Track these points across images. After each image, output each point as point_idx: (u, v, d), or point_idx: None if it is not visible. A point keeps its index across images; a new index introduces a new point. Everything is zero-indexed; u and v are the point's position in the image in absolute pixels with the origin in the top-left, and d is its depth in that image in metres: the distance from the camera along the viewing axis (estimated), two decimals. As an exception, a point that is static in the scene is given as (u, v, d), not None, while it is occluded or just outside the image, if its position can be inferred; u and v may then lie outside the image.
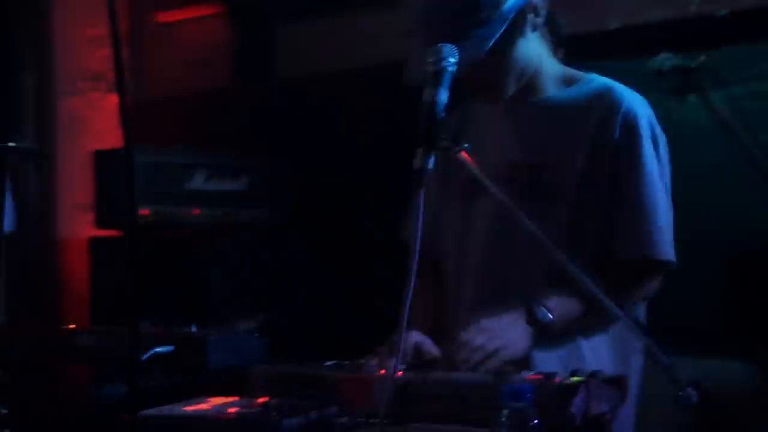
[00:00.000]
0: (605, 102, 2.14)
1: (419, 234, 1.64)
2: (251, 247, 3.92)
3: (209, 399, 1.80)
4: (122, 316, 3.38)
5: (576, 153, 2.12)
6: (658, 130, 2.16)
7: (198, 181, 3.92)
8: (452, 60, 1.77)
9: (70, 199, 4.25)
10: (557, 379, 1.75)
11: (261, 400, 1.76)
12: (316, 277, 3.95)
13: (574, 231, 2.10)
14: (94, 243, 3.94)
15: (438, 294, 2.28)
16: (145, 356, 2.13)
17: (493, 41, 2.02)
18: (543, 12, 2.13)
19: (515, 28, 2.08)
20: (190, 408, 1.74)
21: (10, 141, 2.97)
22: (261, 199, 4.04)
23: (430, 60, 1.77)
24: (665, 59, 2.03)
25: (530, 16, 2.11)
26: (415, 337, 2.10)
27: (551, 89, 2.19)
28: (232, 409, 1.71)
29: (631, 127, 2.11)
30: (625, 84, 2.21)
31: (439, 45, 1.78)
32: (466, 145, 1.75)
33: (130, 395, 1.59)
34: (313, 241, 4.01)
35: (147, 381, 2.30)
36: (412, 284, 1.64)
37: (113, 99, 4.49)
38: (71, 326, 2.98)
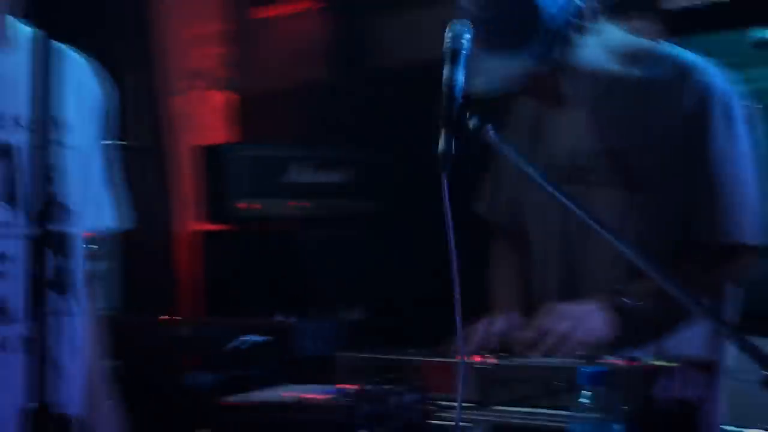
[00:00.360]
0: (673, 77, 2.04)
1: (450, 221, 1.61)
2: (357, 237, 3.95)
3: (290, 386, 1.83)
4: (235, 307, 3.46)
5: (646, 134, 2.03)
6: (738, 104, 2.04)
7: (304, 174, 3.97)
8: (468, 36, 1.66)
9: (178, 194, 4.36)
10: (642, 363, 1.71)
11: (342, 387, 1.77)
12: (417, 267, 3.94)
13: (653, 217, 2.02)
14: (208, 237, 4.04)
15: (523, 272, 2.24)
16: (235, 345, 2.18)
17: (541, 57, 1.97)
18: (595, 13, 2.03)
19: (566, 39, 2.01)
20: (269, 395, 1.77)
21: (124, 140, 3.08)
22: (366, 190, 4.06)
23: (447, 38, 1.65)
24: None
25: (577, 24, 2.01)
26: (501, 323, 2.08)
27: (617, 69, 2.07)
28: (311, 396, 1.73)
29: (701, 102, 2.01)
30: (725, 57, 2.11)
31: (453, 23, 1.67)
32: (489, 125, 1.63)
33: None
34: (416, 230, 4.00)
35: (239, 369, 2.36)
36: (456, 267, 1.61)
37: (216, 96, 4.58)
38: (177, 317, 3.08)
